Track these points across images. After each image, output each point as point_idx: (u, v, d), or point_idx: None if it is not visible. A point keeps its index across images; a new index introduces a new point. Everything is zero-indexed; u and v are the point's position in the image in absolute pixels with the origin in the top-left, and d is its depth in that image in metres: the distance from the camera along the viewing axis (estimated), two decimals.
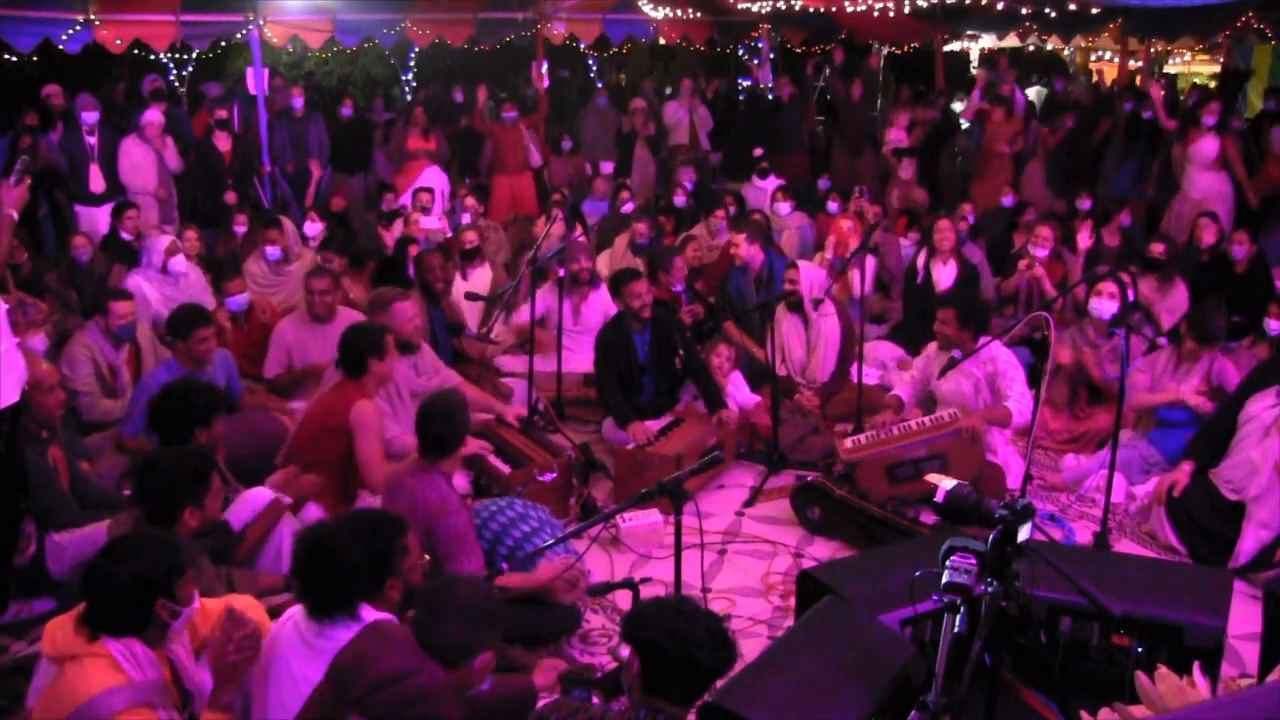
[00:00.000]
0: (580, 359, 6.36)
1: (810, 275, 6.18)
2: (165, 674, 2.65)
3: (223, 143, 8.84)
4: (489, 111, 10.47)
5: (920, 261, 6.78)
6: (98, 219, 8.09)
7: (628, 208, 8.84)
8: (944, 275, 6.71)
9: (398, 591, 2.80)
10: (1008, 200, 8.79)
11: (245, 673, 2.70)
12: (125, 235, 7.35)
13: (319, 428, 4.36)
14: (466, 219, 8.52)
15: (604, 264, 7.64)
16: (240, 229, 7.89)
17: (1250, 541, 4.35)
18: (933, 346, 5.45)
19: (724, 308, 6.83)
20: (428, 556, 3.36)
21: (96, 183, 8.34)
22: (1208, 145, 8.21)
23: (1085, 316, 5.85)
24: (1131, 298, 6.14)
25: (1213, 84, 13.96)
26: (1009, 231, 7.99)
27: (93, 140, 8.34)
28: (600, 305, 6.69)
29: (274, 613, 2.96)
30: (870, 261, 7.70)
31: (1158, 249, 6.82)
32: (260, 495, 3.95)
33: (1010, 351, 5.16)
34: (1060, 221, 7.46)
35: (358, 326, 4.59)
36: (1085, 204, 8.14)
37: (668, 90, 11.87)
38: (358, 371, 4.40)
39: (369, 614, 2.70)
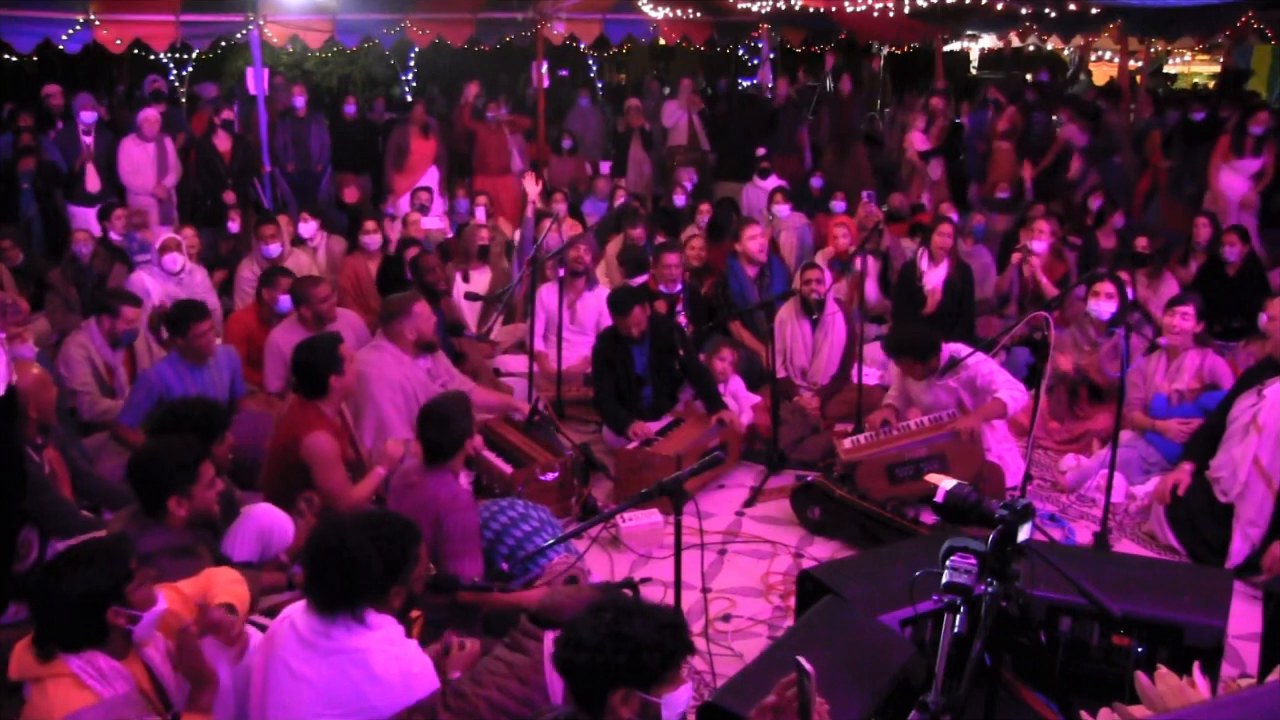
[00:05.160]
0: (574, 354, 6.37)
1: (828, 277, 6.19)
2: (140, 682, 2.57)
3: (223, 143, 8.84)
4: (474, 111, 10.46)
5: (923, 262, 6.77)
6: (92, 219, 8.09)
7: (619, 199, 8.88)
8: (934, 276, 6.69)
9: (400, 599, 2.80)
10: (1003, 194, 8.80)
11: (218, 675, 2.67)
12: (114, 236, 7.35)
13: (284, 461, 4.13)
14: (481, 216, 8.53)
15: (600, 273, 7.64)
16: (234, 226, 7.87)
17: (1241, 541, 4.37)
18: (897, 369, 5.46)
19: (726, 308, 6.80)
20: (433, 567, 3.36)
21: (93, 183, 8.34)
22: (1250, 160, 8.31)
23: (1086, 316, 5.84)
24: (1131, 297, 6.15)
25: (1212, 84, 13.97)
26: (1016, 228, 7.99)
27: (89, 140, 8.34)
28: (595, 305, 6.68)
29: (274, 611, 2.96)
30: (873, 263, 7.71)
31: (1141, 243, 6.83)
32: (261, 515, 3.89)
33: (971, 348, 5.15)
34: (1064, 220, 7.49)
35: (310, 344, 4.25)
36: (1095, 203, 8.14)
37: (666, 90, 11.85)
38: (320, 392, 4.15)
39: (373, 619, 2.69)
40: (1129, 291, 6.07)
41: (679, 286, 6.55)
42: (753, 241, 6.86)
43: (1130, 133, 9.97)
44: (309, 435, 4.05)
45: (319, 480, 4.04)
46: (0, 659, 3.40)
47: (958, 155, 10.27)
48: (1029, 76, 12.25)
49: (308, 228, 7.80)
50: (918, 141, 10.18)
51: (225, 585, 2.84)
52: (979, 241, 7.70)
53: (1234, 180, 8.42)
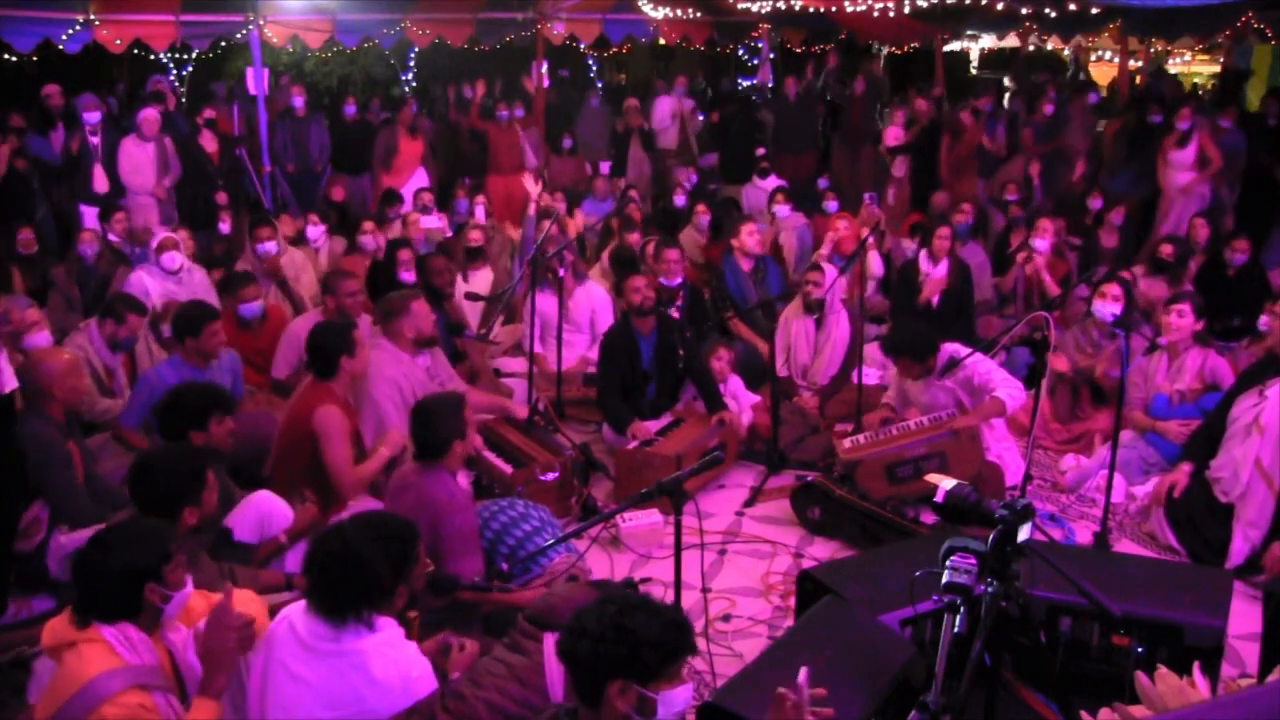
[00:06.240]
0: (571, 354, 6.38)
1: (830, 277, 6.19)
2: (162, 659, 2.68)
3: (209, 143, 8.82)
4: (484, 110, 10.45)
5: (923, 262, 6.78)
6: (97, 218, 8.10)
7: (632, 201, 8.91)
8: (933, 275, 6.67)
9: (404, 599, 2.80)
10: (1012, 196, 8.80)
11: (237, 660, 2.71)
12: (113, 238, 7.34)
13: (293, 438, 4.26)
14: (480, 215, 8.53)
15: (595, 274, 7.64)
16: (224, 227, 7.86)
17: (1241, 542, 4.37)
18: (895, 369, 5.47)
19: (724, 305, 6.82)
20: (431, 564, 3.37)
21: (100, 183, 8.34)
22: (1186, 150, 8.56)
23: (1090, 318, 5.83)
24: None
25: (1209, 84, 13.98)
26: (1007, 231, 8.00)
27: (95, 140, 8.34)
28: (587, 302, 6.70)
29: (273, 612, 2.96)
30: (878, 263, 7.71)
31: (1166, 250, 6.80)
32: (262, 501, 3.93)
33: (968, 348, 5.15)
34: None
35: (325, 325, 4.49)
36: (1096, 203, 8.14)
37: (662, 88, 11.80)
38: (330, 372, 4.34)
39: (380, 622, 2.69)
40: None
41: (678, 280, 6.55)
42: (750, 237, 6.95)
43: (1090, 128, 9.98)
44: (321, 407, 4.18)
45: (326, 452, 4.13)
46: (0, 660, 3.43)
47: (934, 156, 10.18)
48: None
49: (315, 230, 7.79)
50: (889, 137, 10.17)
51: (245, 602, 2.87)
52: (968, 241, 7.67)
53: (1177, 175, 8.64)
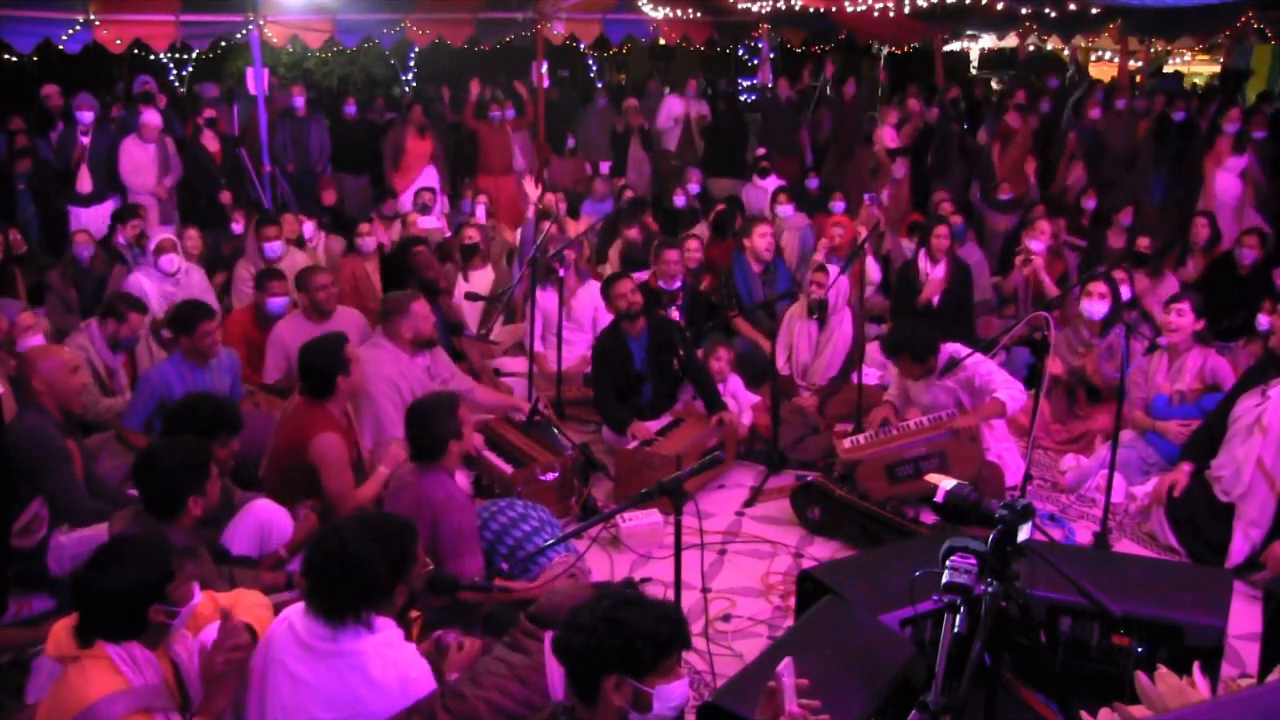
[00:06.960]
0: (572, 354, 6.38)
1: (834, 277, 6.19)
2: (167, 675, 2.63)
3: (211, 143, 8.83)
4: (477, 110, 10.46)
5: (922, 263, 6.78)
6: (90, 219, 8.08)
7: (626, 198, 8.91)
8: (933, 276, 6.68)
9: (403, 599, 2.80)
10: (1006, 195, 8.80)
11: (231, 681, 2.68)
12: (120, 240, 7.33)
13: (289, 461, 4.14)
14: (481, 216, 8.53)
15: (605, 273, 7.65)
16: (237, 227, 7.87)
17: (1241, 540, 4.37)
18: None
19: (731, 304, 6.81)
20: (430, 563, 3.36)
21: (84, 183, 8.33)
22: (1243, 156, 8.36)
23: (1080, 317, 5.84)
24: (1128, 296, 6.14)
25: (1206, 84, 13.98)
26: (1017, 230, 7.98)
27: (86, 140, 8.32)
28: (589, 301, 6.70)
29: (275, 611, 2.96)
30: (874, 269, 7.71)
31: (1143, 243, 6.83)
32: (261, 511, 3.91)
33: (969, 349, 5.15)
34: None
35: (316, 344, 4.28)
36: (1090, 203, 8.13)
37: (666, 90, 11.79)
38: (324, 394, 4.18)
39: (378, 622, 2.69)
40: (1125, 291, 6.06)
41: (677, 283, 6.56)
42: (761, 239, 6.90)
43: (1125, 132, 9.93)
44: (318, 436, 4.06)
45: (326, 482, 4.05)
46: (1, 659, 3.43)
47: (925, 157, 10.16)
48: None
49: (306, 228, 7.82)
50: (887, 138, 10.16)
51: (250, 607, 2.87)
52: (965, 241, 7.67)
53: (1228, 181, 8.45)
